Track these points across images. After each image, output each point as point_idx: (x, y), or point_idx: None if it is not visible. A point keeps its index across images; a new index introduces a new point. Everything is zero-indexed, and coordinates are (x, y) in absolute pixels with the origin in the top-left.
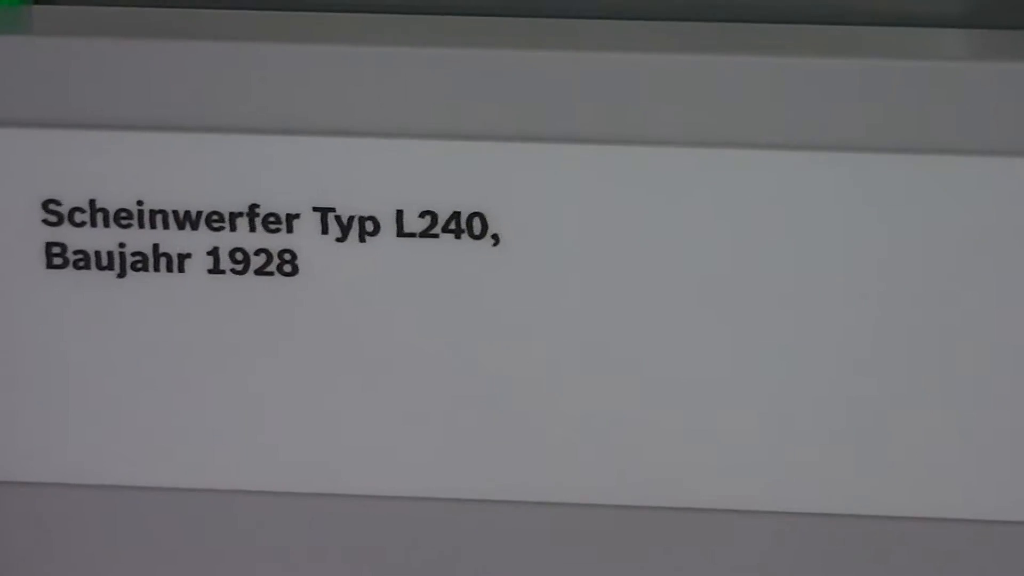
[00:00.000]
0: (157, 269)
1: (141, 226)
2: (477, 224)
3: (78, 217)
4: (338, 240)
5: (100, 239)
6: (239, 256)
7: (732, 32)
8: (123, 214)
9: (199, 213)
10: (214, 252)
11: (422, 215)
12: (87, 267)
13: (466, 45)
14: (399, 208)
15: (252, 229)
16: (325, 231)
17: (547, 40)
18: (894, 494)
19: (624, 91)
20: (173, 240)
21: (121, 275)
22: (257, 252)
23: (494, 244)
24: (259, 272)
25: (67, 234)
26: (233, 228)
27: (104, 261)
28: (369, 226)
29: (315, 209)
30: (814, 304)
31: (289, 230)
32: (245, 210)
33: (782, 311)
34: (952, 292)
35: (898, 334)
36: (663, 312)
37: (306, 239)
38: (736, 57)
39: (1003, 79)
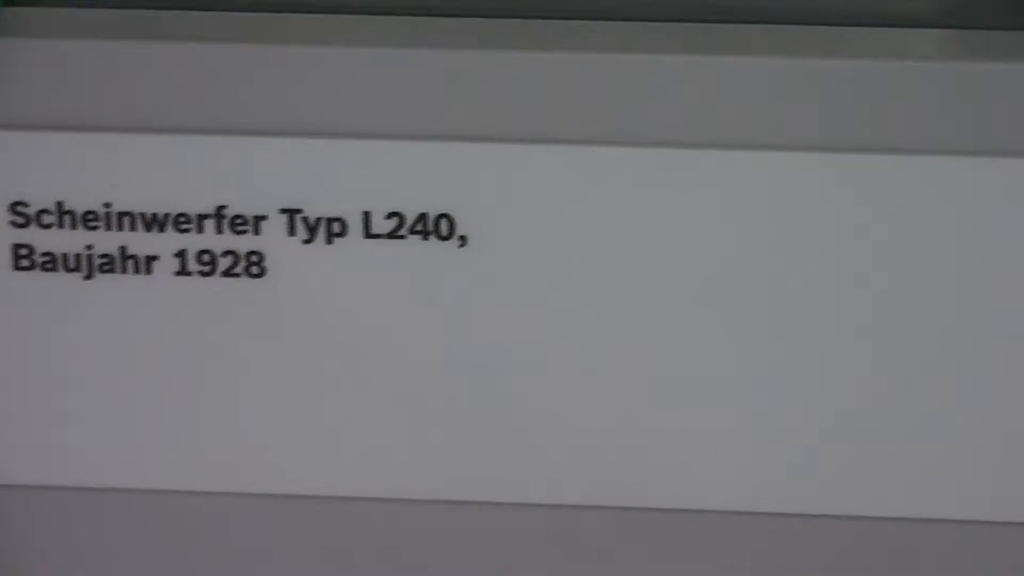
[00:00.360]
0: (124, 271)
1: (108, 228)
2: (444, 225)
3: (45, 219)
4: (305, 242)
5: (67, 241)
6: (206, 258)
7: (701, 32)
8: (90, 216)
9: (166, 215)
10: (181, 254)
11: (389, 216)
12: (54, 269)
13: (432, 46)
14: (366, 209)
15: (219, 231)
16: (292, 233)
17: (513, 40)
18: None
19: (592, 91)
20: (140, 242)
21: (88, 277)
22: (224, 254)
23: (461, 245)
24: (226, 274)
25: (34, 236)
26: (200, 230)
27: (71, 263)
28: (336, 227)
29: (282, 211)
30: (790, 304)
31: (256, 232)
32: (212, 212)
33: (756, 311)
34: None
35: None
36: (636, 312)
37: (273, 241)
38: (707, 57)
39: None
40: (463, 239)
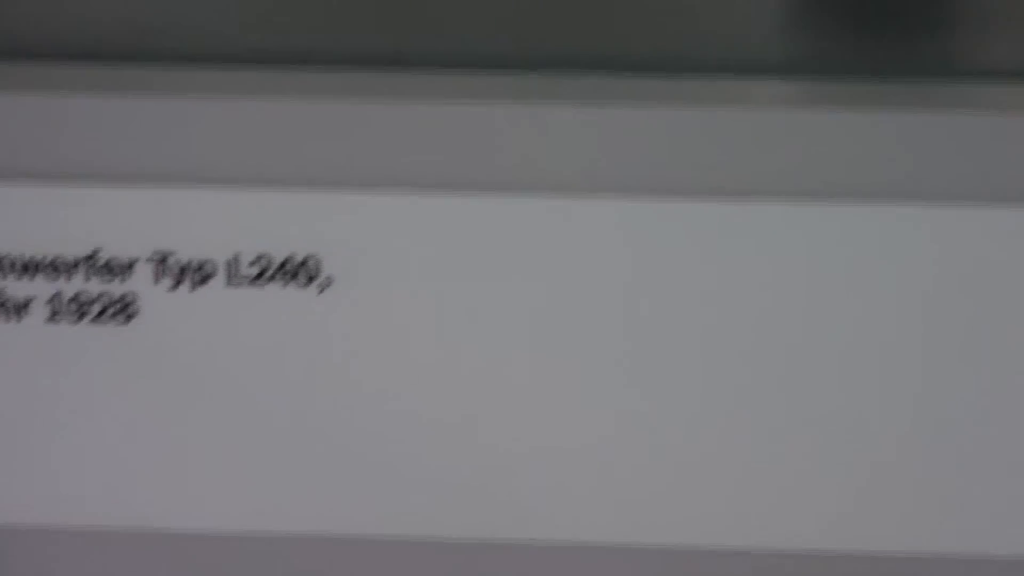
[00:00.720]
0: None
1: None
2: (307, 272)
3: None
4: (173, 287)
5: None
6: (77, 304)
7: (568, 81)
8: None
9: (39, 261)
10: (54, 300)
11: (254, 262)
12: None
13: (299, 97)
14: (231, 255)
15: (90, 277)
16: (161, 278)
17: (377, 90)
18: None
19: (457, 140)
20: (13, 288)
21: None
22: (94, 300)
23: (323, 291)
24: (96, 319)
25: None
26: (72, 276)
27: None
28: (202, 273)
29: (151, 257)
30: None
31: (126, 278)
32: (83, 258)
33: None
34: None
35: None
36: (496, 356)
37: (142, 286)
38: (576, 107)
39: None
40: (325, 285)
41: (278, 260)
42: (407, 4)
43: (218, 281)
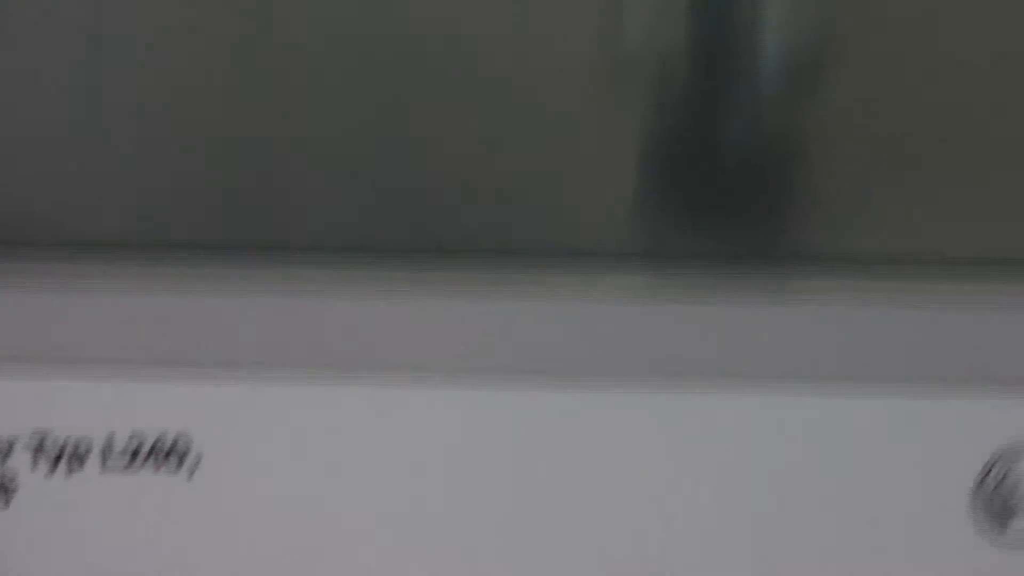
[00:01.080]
0: None
1: None
2: (178, 456)
3: None
4: (48, 473)
5: None
6: None
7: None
8: None
9: None
10: None
11: (127, 447)
12: None
13: (175, 287)
14: (105, 440)
15: None
16: (36, 463)
17: (249, 278)
18: None
19: (326, 327)
20: None
21: None
22: None
23: (193, 476)
24: None
25: None
26: None
27: None
28: (77, 460)
29: (27, 443)
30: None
31: (2, 463)
32: None
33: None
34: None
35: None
36: (370, 544)
37: (20, 471)
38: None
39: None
40: (195, 470)
41: (149, 442)
42: (265, 190)
43: (93, 465)
